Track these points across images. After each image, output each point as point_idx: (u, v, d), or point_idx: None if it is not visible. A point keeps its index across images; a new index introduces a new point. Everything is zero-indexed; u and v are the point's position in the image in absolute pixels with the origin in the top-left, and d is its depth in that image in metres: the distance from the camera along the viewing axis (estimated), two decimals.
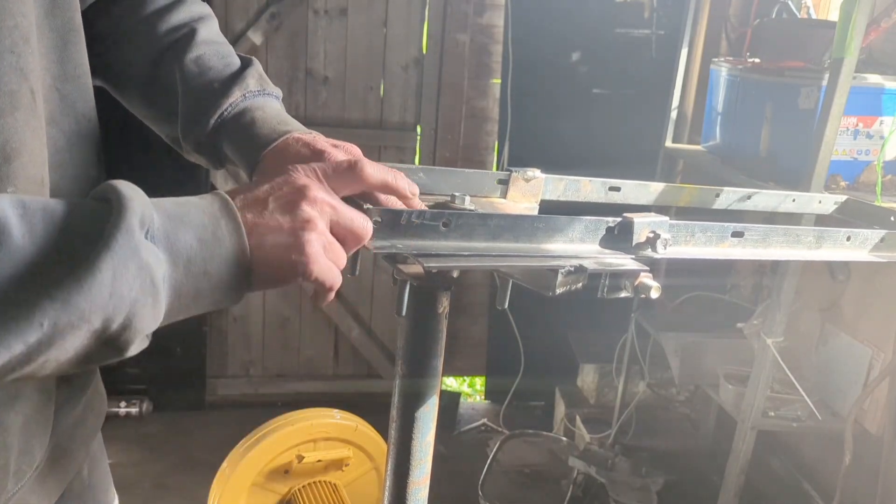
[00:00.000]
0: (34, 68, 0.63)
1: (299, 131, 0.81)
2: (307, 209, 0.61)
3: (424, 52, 3.15)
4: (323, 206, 0.62)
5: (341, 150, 0.78)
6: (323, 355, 3.37)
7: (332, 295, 0.65)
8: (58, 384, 0.73)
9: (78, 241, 0.50)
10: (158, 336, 0.57)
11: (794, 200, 1.14)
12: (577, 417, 3.09)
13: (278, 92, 0.90)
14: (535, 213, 0.95)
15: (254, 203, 0.60)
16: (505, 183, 0.95)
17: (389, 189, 0.72)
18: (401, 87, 3.18)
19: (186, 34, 0.86)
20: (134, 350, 0.54)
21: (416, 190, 0.74)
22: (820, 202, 1.19)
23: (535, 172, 0.96)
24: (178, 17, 0.88)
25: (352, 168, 0.67)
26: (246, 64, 0.88)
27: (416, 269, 0.72)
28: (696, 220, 0.79)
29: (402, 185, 0.72)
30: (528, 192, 0.96)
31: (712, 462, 2.81)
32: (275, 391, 3.32)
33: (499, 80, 3.20)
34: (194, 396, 3.22)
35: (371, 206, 0.67)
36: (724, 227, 0.80)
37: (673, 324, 2.66)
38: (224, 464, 1.73)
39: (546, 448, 3.14)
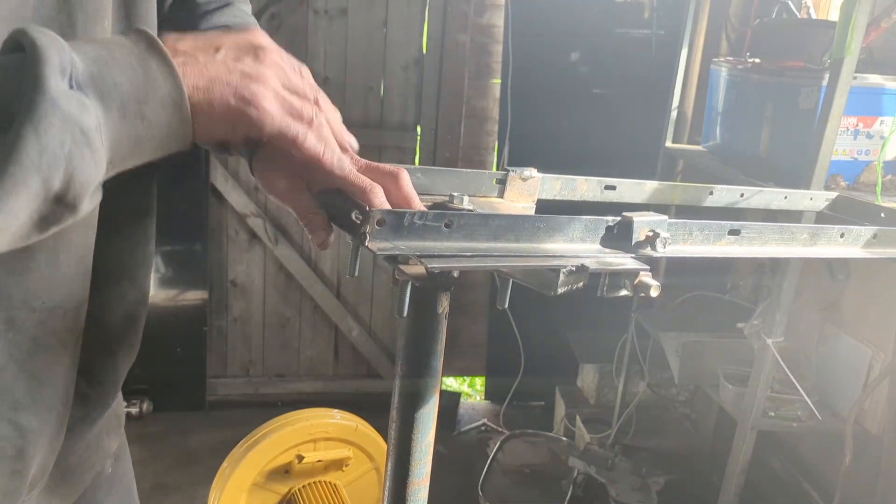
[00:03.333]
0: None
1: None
2: (258, 66, 0.59)
3: (424, 52, 3.15)
4: (277, 69, 0.61)
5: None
6: (323, 355, 3.37)
7: (341, 168, 0.64)
8: (74, 402, 0.71)
9: None
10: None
11: (785, 198, 1.14)
12: (577, 417, 3.09)
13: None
14: (532, 212, 0.94)
15: (203, 48, 0.59)
16: (502, 183, 0.95)
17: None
18: (401, 87, 3.18)
19: (220, 7, 0.90)
20: (87, 205, 0.53)
21: (355, 143, 0.73)
22: (811, 199, 1.20)
23: (531, 172, 0.96)
24: None
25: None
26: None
27: (417, 269, 0.71)
28: (695, 219, 0.79)
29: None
30: (525, 191, 0.96)
31: (712, 462, 2.80)
32: (275, 391, 3.32)
33: (499, 80, 3.20)
34: (194, 396, 3.22)
35: (373, 209, 0.66)
36: (722, 226, 0.80)
37: (673, 324, 2.66)
38: (224, 464, 1.73)
39: (546, 448, 3.14)
